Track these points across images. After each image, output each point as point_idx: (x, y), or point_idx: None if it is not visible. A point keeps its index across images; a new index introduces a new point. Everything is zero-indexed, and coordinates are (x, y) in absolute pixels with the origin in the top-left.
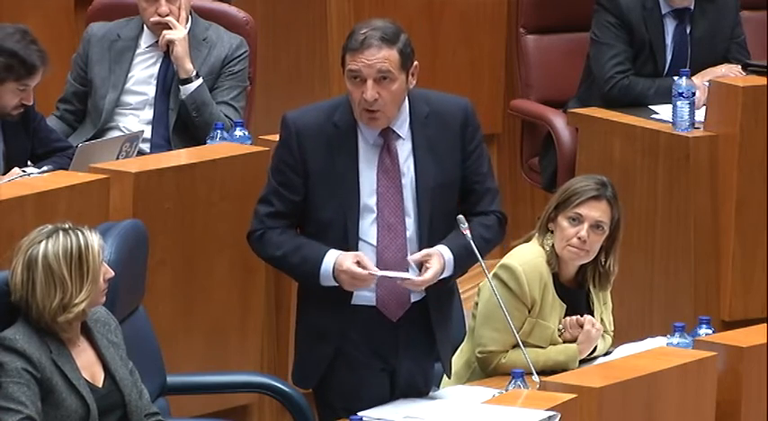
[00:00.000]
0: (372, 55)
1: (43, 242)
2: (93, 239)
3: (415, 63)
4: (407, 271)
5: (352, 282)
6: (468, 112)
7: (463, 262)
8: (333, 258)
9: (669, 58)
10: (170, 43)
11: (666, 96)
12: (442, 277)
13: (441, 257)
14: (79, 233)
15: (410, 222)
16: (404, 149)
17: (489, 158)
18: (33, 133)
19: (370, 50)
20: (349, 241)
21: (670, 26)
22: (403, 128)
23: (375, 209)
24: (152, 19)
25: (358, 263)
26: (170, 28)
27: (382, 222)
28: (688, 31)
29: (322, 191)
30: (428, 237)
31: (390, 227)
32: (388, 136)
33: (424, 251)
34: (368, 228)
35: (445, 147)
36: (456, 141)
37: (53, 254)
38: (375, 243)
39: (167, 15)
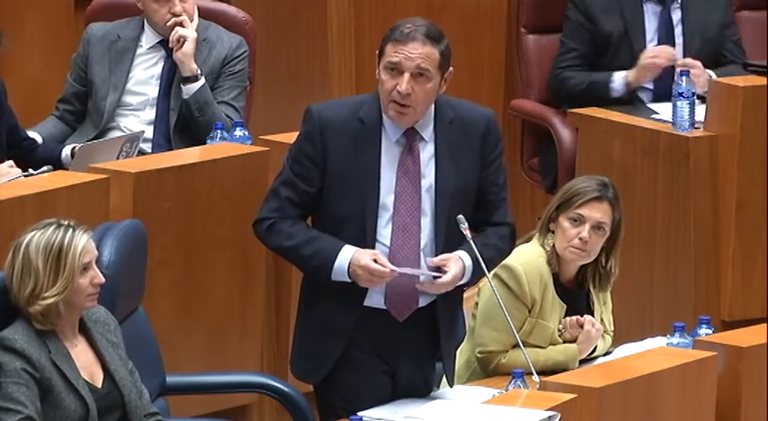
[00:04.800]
0: (415, 49)
1: (34, 232)
2: (80, 240)
3: (450, 69)
4: (421, 268)
5: (370, 278)
6: (490, 123)
7: (480, 271)
8: (349, 254)
9: (652, 45)
10: (182, 39)
11: (601, 92)
12: (459, 283)
13: (459, 261)
14: (69, 231)
15: (425, 224)
16: (426, 152)
17: (506, 170)
18: (12, 130)
19: (413, 44)
20: (366, 239)
21: (651, 13)
22: (427, 130)
23: (391, 208)
24: (166, 20)
25: (375, 260)
26: (182, 26)
27: (397, 222)
28: (675, 18)
29: (341, 185)
30: (443, 242)
31: (405, 227)
32: (411, 136)
33: (443, 256)
34: (382, 228)
35: (466, 154)
36: (476, 150)
37: (35, 244)
38: (389, 243)
39: (182, 14)
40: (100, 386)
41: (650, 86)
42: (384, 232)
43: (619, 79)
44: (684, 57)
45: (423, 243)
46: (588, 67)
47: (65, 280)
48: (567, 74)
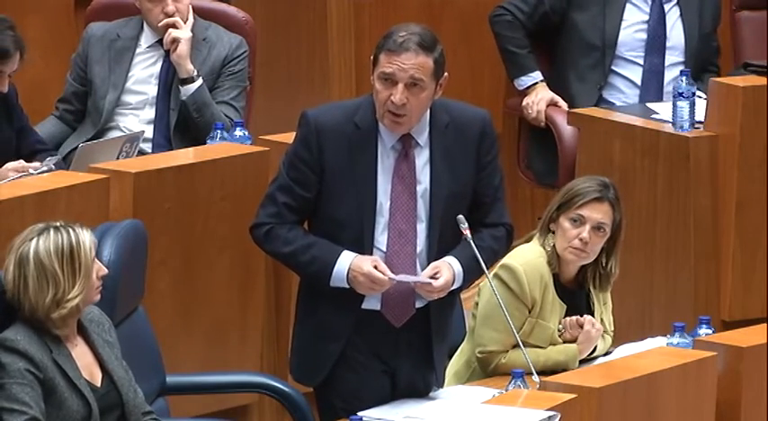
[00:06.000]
0: (408, 59)
1: (35, 239)
2: (85, 236)
3: (446, 74)
4: (417, 275)
5: (370, 285)
6: (486, 125)
7: (472, 274)
8: (348, 260)
9: (641, 40)
10: (175, 41)
11: (509, 67)
12: (452, 288)
13: (450, 268)
14: (70, 230)
15: (421, 229)
16: (421, 157)
17: (502, 170)
18: (20, 133)
19: (407, 54)
20: (364, 245)
21: (638, 7)
22: (422, 136)
23: (387, 214)
24: (160, 20)
25: (375, 267)
26: (176, 27)
27: (393, 228)
28: (672, 16)
29: (338, 190)
30: (437, 246)
31: (401, 233)
32: (407, 142)
33: (433, 264)
34: (379, 234)
35: (461, 157)
36: (472, 152)
37: (45, 250)
38: (385, 249)
39: (174, 14)
40: (99, 386)
41: (638, 81)
42: (380, 238)
43: (528, 82)
44: (687, 56)
45: (419, 248)
46: (524, 28)
47: (83, 278)
48: (509, 18)
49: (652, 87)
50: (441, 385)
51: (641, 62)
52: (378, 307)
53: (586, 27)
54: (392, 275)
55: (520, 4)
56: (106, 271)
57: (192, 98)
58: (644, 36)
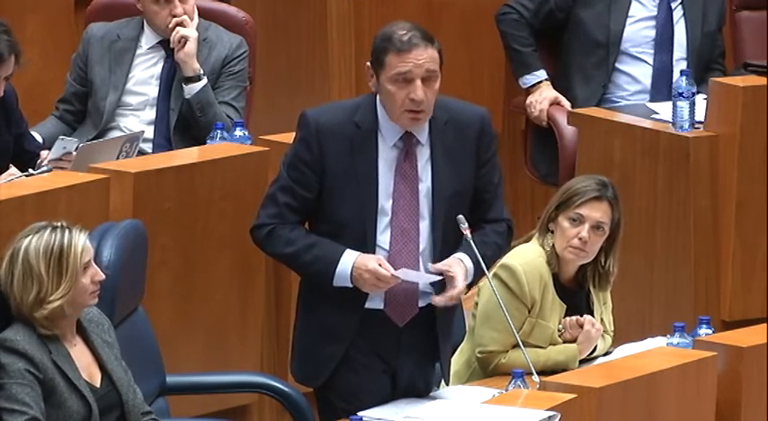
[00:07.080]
0: (420, 54)
1: (29, 237)
2: (79, 240)
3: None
4: (420, 272)
5: (376, 283)
6: (485, 122)
7: (478, 272)
8: (351, 258)
9: (650, 38)
10: (183, 39)
11: (514, 65)
12: None
13: (461, 264)
14: (66, 232)
15: (424, 228)
16: (422, 155)
17: (500, 167)
18: (19, 139)
19: (417, 50)
20: (367, 244)
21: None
22: (423, 133)
23: (390, 212)
24: (168, 23)
25: (380, 265)
26: (183, 26)
27: (396, 227)
28: (676, 14)
29: (340, 190)
30: (441, 245)
31: (404, 232)
32: (408, 140)
33: (446, 260)
34: (381, 233)
35: (461, 155)
36: (472, 150)
37: (34, 249)
38: (388, 247)
39: (182, 16)
40: (98, 386)
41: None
42: (383, 237)
43: (532, 80)
44: (689, 54)
45: (421, 247)
46: (530, 27)
47: (68, 281)
48: (515, 17)
49: (662, 85)
50: (447, 382)
51: (648, 59)
52: (381, 306)
53: (591, 24)
54: (396, 273)
55: (525, 2)
56: (103, 276)
57: (196, 97)
58: (651, 33)
